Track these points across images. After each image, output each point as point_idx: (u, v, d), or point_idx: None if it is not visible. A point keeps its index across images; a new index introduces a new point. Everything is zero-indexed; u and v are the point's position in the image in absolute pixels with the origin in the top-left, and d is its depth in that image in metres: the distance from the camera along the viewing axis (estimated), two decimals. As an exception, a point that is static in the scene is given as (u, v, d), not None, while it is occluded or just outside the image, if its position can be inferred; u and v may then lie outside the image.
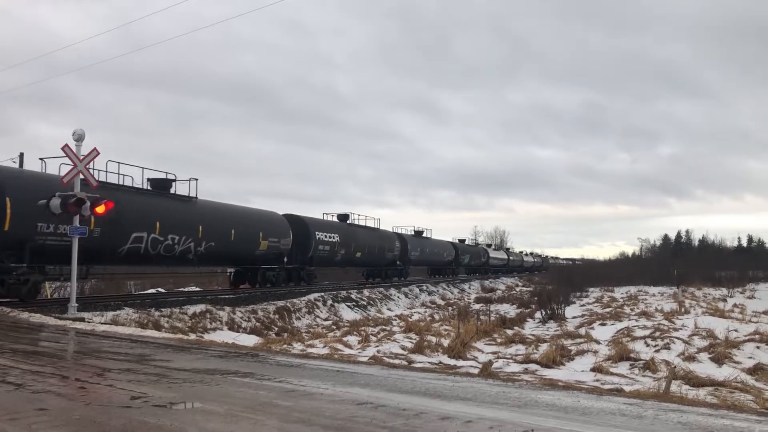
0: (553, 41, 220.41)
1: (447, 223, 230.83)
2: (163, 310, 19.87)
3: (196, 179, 24.37)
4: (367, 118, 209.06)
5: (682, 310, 29.69)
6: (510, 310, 32.40)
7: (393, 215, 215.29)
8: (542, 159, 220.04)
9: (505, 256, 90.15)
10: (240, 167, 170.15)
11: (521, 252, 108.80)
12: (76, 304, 15.91)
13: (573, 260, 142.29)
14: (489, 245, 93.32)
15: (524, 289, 56.64)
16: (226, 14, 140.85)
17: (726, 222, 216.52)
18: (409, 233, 51.01)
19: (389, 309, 33.51)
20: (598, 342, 18.79)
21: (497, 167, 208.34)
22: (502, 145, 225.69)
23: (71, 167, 15.75)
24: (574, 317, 28.17)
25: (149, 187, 22.90)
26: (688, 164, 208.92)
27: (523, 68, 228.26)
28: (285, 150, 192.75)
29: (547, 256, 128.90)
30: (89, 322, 14.80)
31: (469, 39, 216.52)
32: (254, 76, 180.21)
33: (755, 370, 14.09)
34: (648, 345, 18.17)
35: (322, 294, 30.08)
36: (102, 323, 14.95)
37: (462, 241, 72.96)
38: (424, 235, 54.03)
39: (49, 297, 27.63)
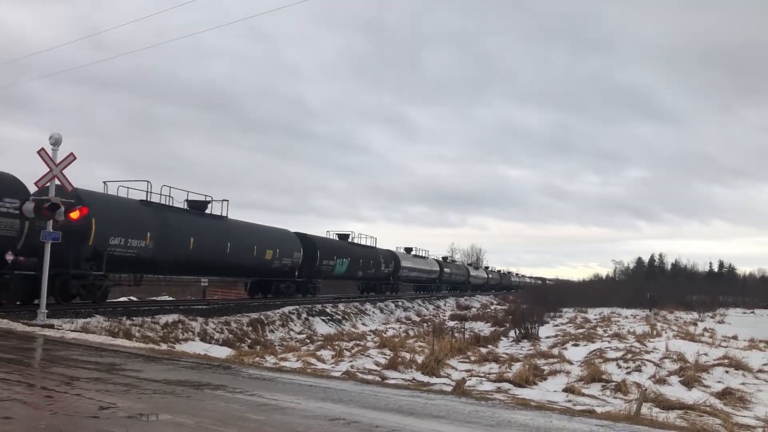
0: (520, 61, 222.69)
1: (422, 239, 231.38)
2: (134, 318, 19.59)
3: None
4: (338, 130, 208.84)
5: (654, 333, 29.99)
6: (484, 329, 32.47)
7: (367, 229, 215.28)
8: (513, 178, 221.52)
9: (485, 275, 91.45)
10: (210, 176, 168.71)
11: (500, 271, 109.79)
12: (46, 311, 15.60)
13: (543, 279, 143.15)
14: (470, 264, 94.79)
15: (499, 307, 56.83)
16: (193, 22, 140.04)
17: (696, 247, 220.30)
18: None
19: (364, 324, 33.37)
20: (570, 362, 18.88)
21: (469, 185, 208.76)
22: (473, 163, 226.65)
23: (47, 171, 15.53)
24: (547, 337, 28.31)
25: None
26: (656, 188, 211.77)
27: (491, 87, 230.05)
28: (254, 160, 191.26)
29: (522, 275, 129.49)
30: (59, 329, 14.55)
31: (436, 55, 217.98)
32: (221, 85, 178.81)
33: (724, 395, 14.26)
34: (620, 367, 18.30)
35: (297, 307, 29.88)
36: (72, 330, 14.71)
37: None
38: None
39: (17, 302, 27.08)
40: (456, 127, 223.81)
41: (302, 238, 35.74)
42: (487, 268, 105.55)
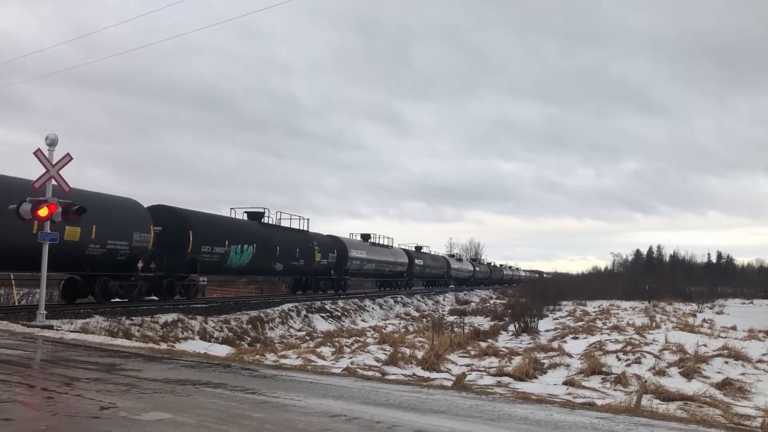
0: (511, 55, 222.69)
1: (418, 234, 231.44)
2: (134, 318, 19.58)
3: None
4: (330, 127, 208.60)
5: (653, 324, 30.04)
6: (484, 323, 32.51)
7: (364, 226, 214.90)
8: (508, 173, 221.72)
9: (471, 267, 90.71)
10: (203, 175, 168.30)
11: (501, 265, 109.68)
12: (45, 312, 15.58)
13: (540, 273, 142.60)
14: (474, 259, 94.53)
15: (498, 301, 56.88)
16: (182, 20, 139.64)
17: (693, 238, 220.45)
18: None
19: (363, 320, 33.39)
20: (570, 355, 18.91)
21: (464, 180, 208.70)
22: (467, 158, 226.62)
23: (43, 172, 15.49)
24: (547, 330, 28.35)
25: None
26: (651, 181, 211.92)
27: (483, 81, 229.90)
28: (248, 158, 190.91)
29: (519, 269, 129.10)
30: (58, 329, 14.54)
31: (426, 50, 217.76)
32: (211, 84, 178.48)
33: (723, 385, 14.29)
34: (619, 359, 18.33)
35: (296, 304, 29.90)
36: (71, 331, 14.70)
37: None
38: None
39: (17, 303, 27.08)
40: (449, 122, 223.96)
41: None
42: (490, 263, 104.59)
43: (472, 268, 79.79)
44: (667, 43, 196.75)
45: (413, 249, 58.95)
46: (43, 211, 15.20)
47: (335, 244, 40.54)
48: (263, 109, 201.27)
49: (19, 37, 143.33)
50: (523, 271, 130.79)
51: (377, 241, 49.07)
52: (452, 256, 77.64)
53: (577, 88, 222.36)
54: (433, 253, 63.92)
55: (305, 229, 36.78)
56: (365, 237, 47.05)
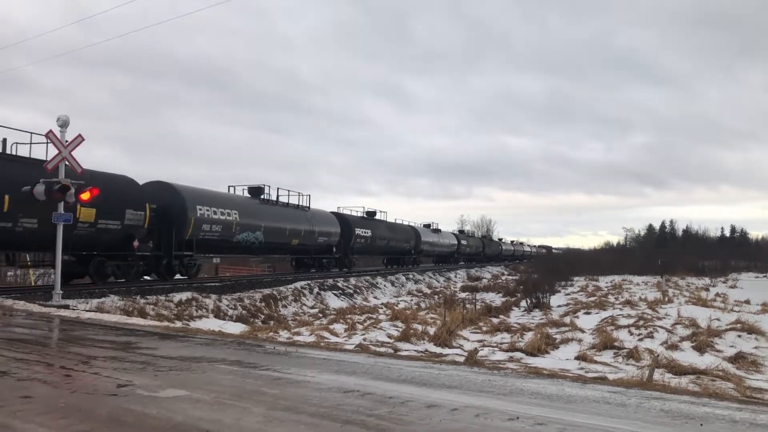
0: (513, 26, 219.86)
1: (428, 212, 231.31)
2: (148, 297, 19.79)
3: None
4: (334, 103, 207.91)
5: (666, 299, 30.01)
6: (496, 299, 32.59)
7: (373, 204, 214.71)
8: (516, 147, 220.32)
9: (499, 247, 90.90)
10: (208, 153, 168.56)
11: (512, 241, 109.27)
12: (61, 291, 15.79)
13: (549, 248, 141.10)
14: (485, 236, 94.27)
15: (509, 277, 56.95)
16: None
17: (706, 212, 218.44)
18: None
19: (375, 297, 33.57)
20: (582, 330, 18.95)
21: (472, 156, 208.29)
22: (473, 133, 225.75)
23: (56, 153, 15.59)
24: (559, 306, 28.38)
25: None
26: (661, 154, 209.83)
27: (485, 54, 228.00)
28: (253, 136, 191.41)
29: (530, 245, 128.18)
30: (74, 309, 14.72)
31: (426, 23, 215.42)
32: (213, 61, 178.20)
33: (736, 359, 14.28)
34: (632, 334, 18.35)
35: (309, 282, 30.08)
36: (87, 311, 14.88)
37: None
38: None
39: (33, 284, 27.43)
40: (453, 96, 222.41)
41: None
42: (501, 239, 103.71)
43: (482, 245, 79.45)
44: (673, 11, 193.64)
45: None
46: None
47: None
48: (266, 86, 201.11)
49: (19, 19, 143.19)
50: (529, 246, 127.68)
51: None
52: (462, 232, 77.77)
53: (583, 59, 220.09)
54: (441, 230, 63.49)
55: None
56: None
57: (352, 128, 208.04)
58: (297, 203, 34.90)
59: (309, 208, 35.93)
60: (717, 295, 34.53)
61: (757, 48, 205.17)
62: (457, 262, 68.10)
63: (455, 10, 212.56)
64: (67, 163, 15.69)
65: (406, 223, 54.69)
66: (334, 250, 38.52)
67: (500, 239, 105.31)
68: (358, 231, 41.50)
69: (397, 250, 50.74)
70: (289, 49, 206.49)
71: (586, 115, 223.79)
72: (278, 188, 33.01)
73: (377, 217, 47.10)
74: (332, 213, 40.03)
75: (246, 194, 30.85)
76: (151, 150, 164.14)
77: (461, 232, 77.65)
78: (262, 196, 31.20)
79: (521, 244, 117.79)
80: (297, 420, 4.67)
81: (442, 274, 52.85)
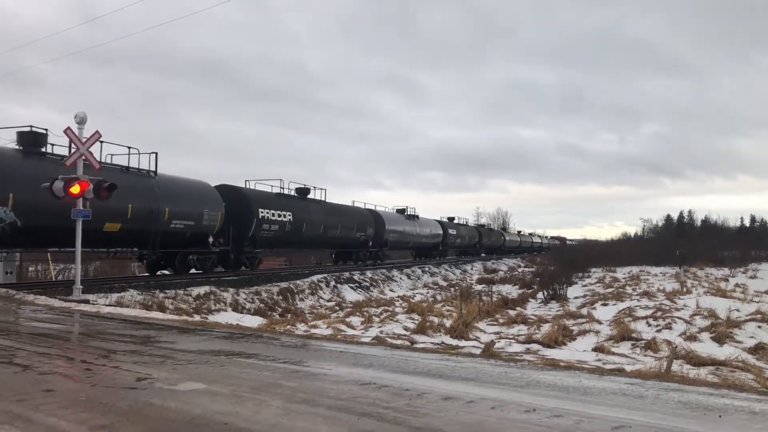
0: (522, 17, 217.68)
1: (443, 204, 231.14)
2: (167, 291, 19.96)
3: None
4: (344, 97, 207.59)
5: (684, 290, 29.77)
6: (512, 291, 32.51)
7: (388, 197, 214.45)
8: (529, 139, 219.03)
9: (517, 239, 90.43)
10: (220, 148, 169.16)
11: (530, 233, 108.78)
12: (81, 286, 15.97)
13: (563, 239, 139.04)
14: (504, 229, 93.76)
15: (526, 269, 56.73)
16: None
17: (724, 202, 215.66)
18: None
19: (392, 290, 33.62)
20: (599, 322, 18.87)
21: (484, 148, 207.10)
22: (485, 126, 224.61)
23: (74, 150, 15.74)
24: (576, 297, 28.26)
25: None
26: (676, 143, 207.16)
27: (494, 46, 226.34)
28: (264, 131, 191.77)
29: (547, 237, 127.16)
30: (94, 304, 14.89)
31: (433, 15, 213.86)
32: (221, 56, 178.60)
33: (756, 350, 14.17)
34: (650, 325, 18.25)
35: (325, 275, 30.18)
36: (107, 305, 15.04)
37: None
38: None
39: (53, 279, 27.76)
40: (464, 88, 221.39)
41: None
42: (520, 232, 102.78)
43: (503, 238, 79.48)
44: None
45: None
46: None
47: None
48: (276, 81, 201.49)
49: (27, 17, 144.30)
50: (540, 237, 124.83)
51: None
52: (482, 226, 77.70)
53: (593, 49, 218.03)
54: (464, 224, 63.55)
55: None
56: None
57: (363, 121, 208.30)
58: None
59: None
60: (736, 285, 34.17)
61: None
62: (478, 254, 67.90)
63: (462, 2, 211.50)
64: (84, 159, 15.84)
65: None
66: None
67: (519, 231, 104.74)
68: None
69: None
70: (296, 42, 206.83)
71: (598, 106, 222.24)
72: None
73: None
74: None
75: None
76: (161, 145, 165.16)
77: (482, 225, 76.81)
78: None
79: (530, 234, 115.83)
80: (314, 412, 4.70)
81: (458, 267, 52.84)
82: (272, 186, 32.06)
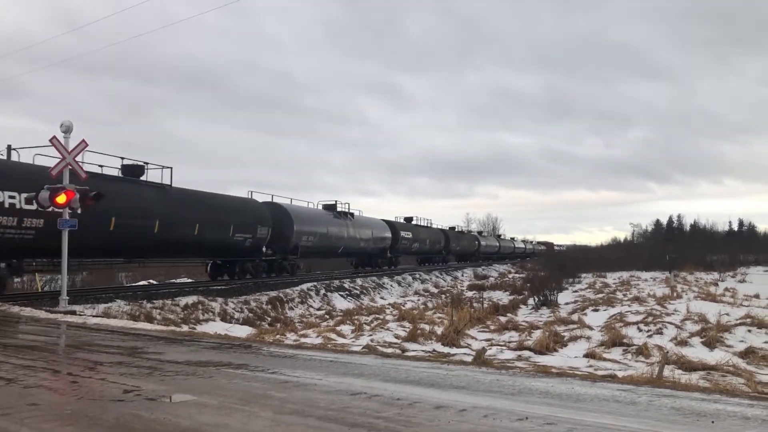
0: (504, 23, 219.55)
1: (433, 211, 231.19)
2: (155, 302, 19.79)
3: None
4: (329, 103, 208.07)
5: (675, 294, 29.87)
6: (503, 297, 32.51)
7: (376, 204, 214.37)
8: (515, 145, 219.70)
9: (511, 245, 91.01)
10: (206, 155, 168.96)
11: (522, 239, 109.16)
12: (67, 297, 15.78)
13: (550, 245, 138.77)
14: (498, 235, 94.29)
15: (516, 275, 56.81)
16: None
17: (711, 206, 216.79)
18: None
19: (382, 298, 33.52)
20: (591, 328, 18.87)
21: (471, 154, 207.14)
22: (472, 132, 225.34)
23: (60, 159, 15.59)
24: (566, 303, 28.30)
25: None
26: (661, 148, 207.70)
27: (479, 51, 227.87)
28: (250, 138, 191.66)
29: (522, 241, 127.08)
30: (81, 314, 14.72)
31: (417, 20, 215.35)
32: (205, 64, 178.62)
33: (747, 354, 14.21)
34: (641, 330, 18.28)
35: (315, 284, 30.06)
36: (93, 316, 14.88)
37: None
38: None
39: (40, 290, 27.51)
40: (449, 94, 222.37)
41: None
42: (512, 238, 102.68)
43: (497, 244, 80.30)
44: (666, 3, 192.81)
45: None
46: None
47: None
48: (259, 88, 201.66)
49: (7, 24, 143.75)
50: (524, 243, 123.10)
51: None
52: (480, 233, 78.68)
53: (577, 55, 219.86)
54: (427, 225, 61.59)
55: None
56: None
57: (349, 128, 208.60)
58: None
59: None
60: (726, 289, 34.35)
61: (752, 40, 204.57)
62: (476, 260, 69.36)
63: (445, 8, 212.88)
64: (70, 168, 15.69)
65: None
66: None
67: (512, 237, 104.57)
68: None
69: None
70: (280, 49, 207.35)
71: (583, 111, 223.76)
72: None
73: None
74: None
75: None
76: (146, 154, 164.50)
77: (479, 233, 77.54)
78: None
79: (530, 242, 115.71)
80: (305, 423, 4.63)
81: (449, 273, 52.83)
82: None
